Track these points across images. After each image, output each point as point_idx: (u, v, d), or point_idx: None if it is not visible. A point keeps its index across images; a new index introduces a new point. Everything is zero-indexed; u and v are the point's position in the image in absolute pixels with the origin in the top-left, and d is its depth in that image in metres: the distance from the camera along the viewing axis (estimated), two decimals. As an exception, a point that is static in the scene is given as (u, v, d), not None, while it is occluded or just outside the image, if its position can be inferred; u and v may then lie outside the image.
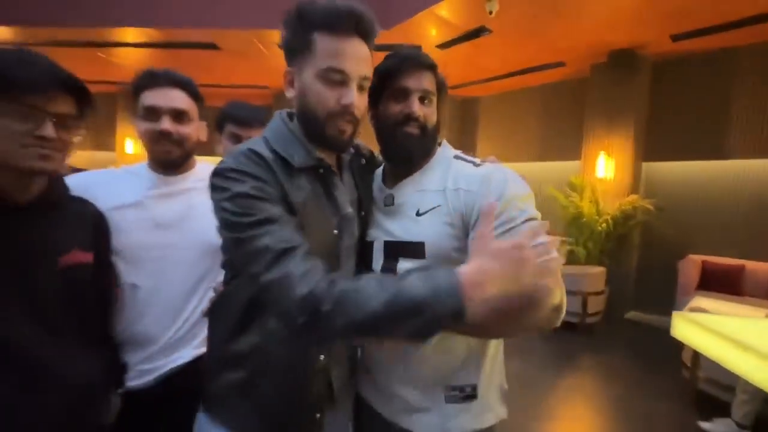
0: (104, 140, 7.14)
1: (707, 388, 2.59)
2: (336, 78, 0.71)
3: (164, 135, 0.95)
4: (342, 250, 0.80)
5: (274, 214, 0.66)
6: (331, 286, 0.60)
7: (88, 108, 0.78)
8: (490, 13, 3.44)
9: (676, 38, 3.98)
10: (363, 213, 0.87)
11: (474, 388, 0.81)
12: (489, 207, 0.64)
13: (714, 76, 4.29)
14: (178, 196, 1.01)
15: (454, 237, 0.79)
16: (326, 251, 0.74)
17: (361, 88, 0.74)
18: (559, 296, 0.70)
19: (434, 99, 0.85)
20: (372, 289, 0.58)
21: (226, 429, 0.77)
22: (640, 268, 4.75)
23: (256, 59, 5.18)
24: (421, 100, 0.82)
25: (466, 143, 6.76)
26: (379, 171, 0.95)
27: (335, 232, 0.77)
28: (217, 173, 0.70)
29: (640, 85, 4.51)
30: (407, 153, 0.83)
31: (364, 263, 0.87)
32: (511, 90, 6.07)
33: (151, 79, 0.96)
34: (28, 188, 0.75)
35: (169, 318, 0.98)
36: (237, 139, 1.36)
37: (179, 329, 0.99)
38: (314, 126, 0.74)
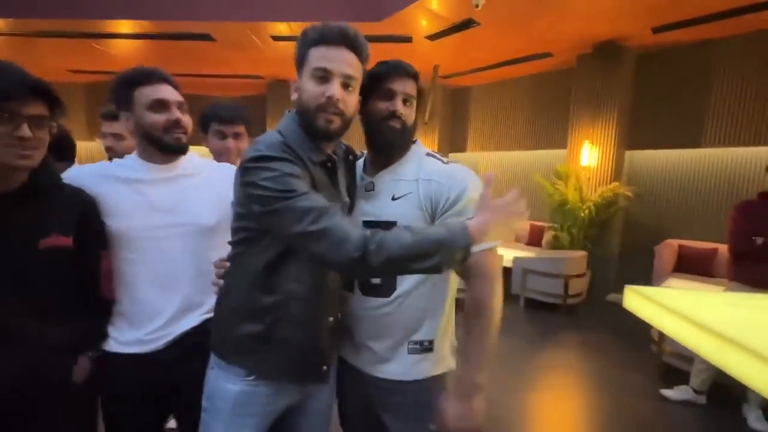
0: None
1: (671, 361, 2.82)
2: (321, 75, 0.87)
3: (178, 123, 1.06)
4: None
5: (309, 189, 0.82)
6: (373, 233, 0.78)
7: (58, 108, 0.91)
8: (477, 6, 3.55)
9: (656, 30, 4.12)
10: (349, 201, 1.05)
11: (431, 342, 1.01)
12: (489, 176, 0.85)
13: (693, 68, 4.45)
14: (171, 181, 1.10)
15: (422, 219, 0.97)
16: None
17: (345, 85, 0.89)
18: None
19: (414, 102, 1.03)
20: (405, 234, 0.78)
21: (241, 377, 0.91)
22: (622, 253, 4.96)
23: (251, 50, 5.26)
24: (404, 101, 1.00)
25: (457, 132, 6.89)
26: (360, 163, 1.12)
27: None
28: (254, 159, 0.84)
29: (623, 76, 4.66)
30: (390, 143, 1.01)
31: None
32: (500, 80, 6.18)
33: (148, 76, 1.05)
34: (8, 180, 0.87)
35: (169, 293, 1.07)
36: (222, 135, 1.49)
37: (181, 303, 1.08)
38: (308, 118, 0.90)
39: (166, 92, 1.06)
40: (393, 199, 0.99)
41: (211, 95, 7.97)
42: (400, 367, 1.00)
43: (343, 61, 0.88)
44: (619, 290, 5.09)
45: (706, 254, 4.18)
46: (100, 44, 5.23)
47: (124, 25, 4.65)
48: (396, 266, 0.79)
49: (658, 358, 2.93)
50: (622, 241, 4.98)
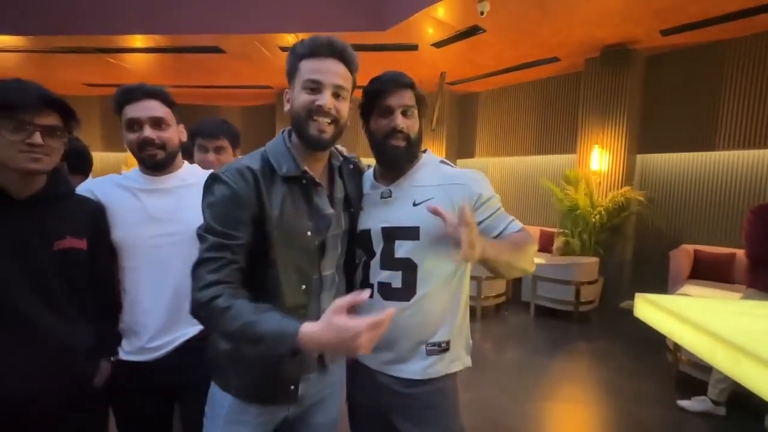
0: (115, 141, 7.40)
1: (688, 370, 2.74)
2: (313, 86, 0.90)
3: (148, 141, 1.09)
4: (328, 240, 0.98)
5: (228, 232, 0.84)
6: (212, 301, 0.78)
7: (72, 120, 0.98)
8: (482, 13, 3.57)
9: (665, 33, 4.08)
10: (352, 209, 1.05)
11: (448, 343, 1.04)
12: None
13: (704, 70, 4.38)
14: (168, 192, 1.14)
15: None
16: (300, 245, 0.92)
17: (336, 95, 0.91)
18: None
19: (415, 111, 1.04)
20: (240, 312, 0.77)
21: (225, 392, 0.94)
22: (635, 259, 4.86)
23: (259, 61, 5.35)
24: (404, 113, 1.02)
25: (465, 138, 6.88)
26: (369, 172, 1.14)
27: (308, 233, 0.92)
28: (208, 178, 0.90)
29: (633, 79, 4.61)
30: (395, 161, 1.04)
31: (364, 247, 1.07)
32: (507, 85, 6.17)
33: (128, 95, 1.09)
34: (28, 186, 0.94)
35: (167, 301, 1.09)
36: (204, 149, 1.59)
37: (180, 311, 1.08)
38: (300, 127, 0.92)
39: (141, 110, 1.09)
40: (414, 204, 1.02)
41: (222, 106, 8.13)
42: (418, 366, 1.02)
43: (333, 73, 0.90)
44: (633, 297, 4.96)
45: (724, 259, 4.07)
46: (114, 59, 5.38)
47: (137, 40, 4.78)
48: (230, 339, 0.85)
49: (673, 368, 2.84)
50: (635, 247, 4.89)
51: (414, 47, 4.73)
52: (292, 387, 0.95)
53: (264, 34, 4.51)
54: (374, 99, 1.01)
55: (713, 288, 3.76)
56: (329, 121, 0.90)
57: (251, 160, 0.91)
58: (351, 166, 1.08)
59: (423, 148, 1.10)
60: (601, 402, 2.71)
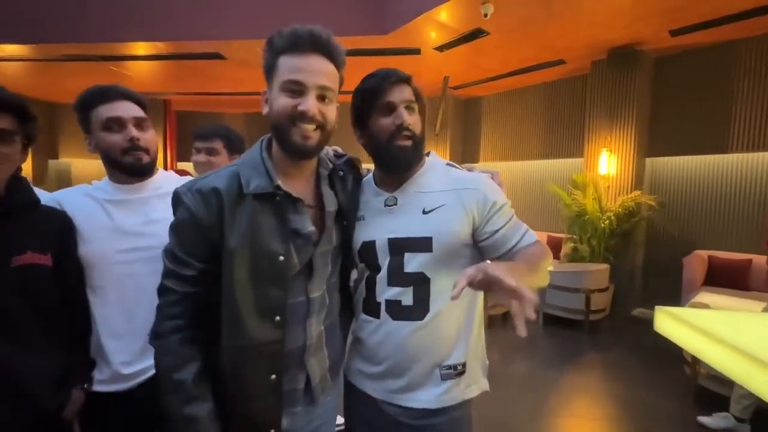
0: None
1: (707, 384, 2.60)
2: (294, 88, 0.79)
3: (134, 143, 0.99)
4: (315, 259, 0.87)
5: (186, 259, 0.79)
6: (166, 343, 0.78)
7: (28, 123, 0.89)
8: (485, 15, 3.49)
9: (675, 33, 3.97)
10: (345, 222, 0.95)
11: (464, 365, 0.94)
12: None
13: (715, 70, 4.26)
14: (139, 203, 1.05)
15: (461, 231, 0.91)
16: (271, 272, 0.80)
17: (322, 98, 0.81)
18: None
19: (416, 107, 0.95)
20: (184, 405, 0.76)
21: None
22: (646, 265, 4.72)
23: (261, 67, 5.30)
24: (407, 110, 0.92)
25: (469, 143, 6.79)
26: (369, 177, 1.04)
27: (280, 258, 0.80)
28: (175, 193, 0.82)
29: (641, 81, 4.50)
30: (403, 163, 0.93)
31: (368, 261, 0.96)
32: (512, 89, 6.08)
33: (103, 95, 0.99)
34: None
35: (140, 323, 0.99)
36: (197, 150, 1.67)
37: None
38: (281, 134, 0.82)
39: (122, 109, 0.99)
40: (424, 212, 0.92)
41: (226, 113, 8.11)
42: (431, 394, 0.91)
43: (317, 72, 0.80)
44: (645, 304, 4.88)
45: (739, 266, 3.92)
46: (116, 66, 5.37)
47: (139, 47, 4.76)
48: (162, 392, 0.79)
49: (692, 381, 2.71)
50: (646, 253, 4.75)
51: (416, 51, 4.66)
52: (272, 431, 0.83)
53: (265, 40, 4.46)
54: (372, 98, 0.91)
55: (730, 296, 3.62)
56: (314, 127, 0.80)
57: (219, 177, 0.82)
58: (341, 173, 0.96)
59: (426, 151, 1.00)
60: (617, 418, 2.58)
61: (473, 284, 0.66)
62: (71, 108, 1.02)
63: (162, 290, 0.80)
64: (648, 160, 4.72)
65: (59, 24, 4.47)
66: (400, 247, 0.92)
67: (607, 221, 4.39)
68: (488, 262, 0.92)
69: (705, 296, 3.55)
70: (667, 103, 4.57)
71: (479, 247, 0.94)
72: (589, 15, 3.64)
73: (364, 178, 1.05)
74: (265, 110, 0.85)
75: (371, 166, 1.11)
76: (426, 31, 4.16)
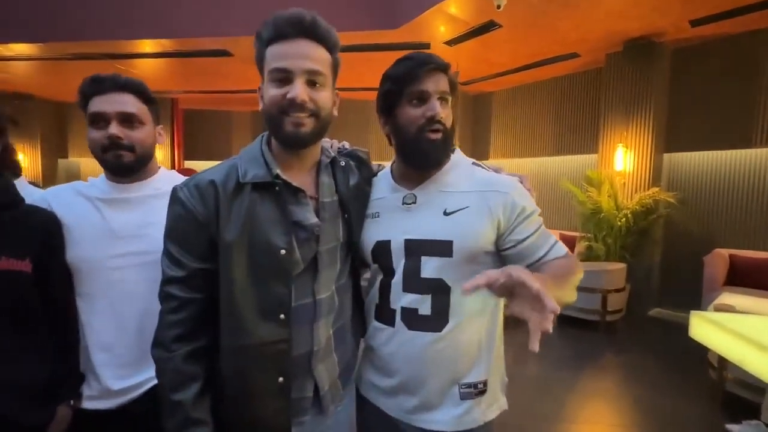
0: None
1: (735, 390, 2.48)
2: (280, 77, 0.74)
3: (113, 140, 0.90)
4: (321, 256, 0.81)
5: (184, 261, 0.74)
6: (168, 356, 0.73)
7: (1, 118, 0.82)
8: (498, 7, 3.38)
9: (695, 24, 3.82)
10: (347, 215, 0.88)
11: (485, 383, 0.86)
12: None
13: (737, 61, 4.09)
14: (135, 203, 0.96)
15: (484, 237, 0.82)
16: (272, 266, 0.76)
17: (312, 83, 0.76)
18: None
19: (449, 100, 0.86)
20: (179, 404, 0.72)
21: None
22: (664, 264, 4.58)
23: (268, 64, 5.26)
24: (440, 102, 0.84)
25: (480, 140, 6.68)
26: (386, 172, 0.96)
27: (282, 252, 0.76)
28: (174, 190, 0.77)
29: (658, 74, 4.35)
30: (431, 159, 0.86)
31: (382, 264, 0.89)
32: (523, 84, 5.95)
33: (97, 85, 0.92)
34: None
35: (132, 334, 0.92)
36: None
37: (149, 345, 0.92)
38: (274, 126, 0.77)
39: (107, 103, 0.91)
40: (446, 213, 0.84)
41: (233, 110, 8.09)
42: (450, 415, 0.83)
43: (303, 56, 0.75)
44: (663, 304, 4.74)
45: (763, 264, 3.77)
46: (123, 65, 5.35)
47: (145, 45, 4.73)
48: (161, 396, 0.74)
49: (718, 386, 2.58)
50: (664, 251, 4.60)
51: (426, 46, 4.56)
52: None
53: (272, 35, 4.41)
54: (402, 84, 0.83)
55: (754, 296, 3.47)
56: (307, 114, 0.75)
57: (217, 170, 0.78)
58: (343, 163, 0.89)
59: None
60: (636, 423, 2.46)
61: (494, 287, 0.59)
62: (78, 107, 0.97)
63: (163, 296, 0.76)
64: (666, 156, 4.57)
65: (66, 22, 4.46)
66: (416, 249, 0.84)
67: (624, 219, 4.25)
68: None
69: (729, 297, 3.40)
70: (686, 96, 4.41)
71: (502, 256, 0.86)
72: (606, 5, 3.51)
73: (380, 172, 0.98)
74: (261, 106, 0.80)
75: (384, 162, 1.04)
76: (436, 25, 4.06)
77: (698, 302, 3.89)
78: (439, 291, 0.83)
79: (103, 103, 0.92)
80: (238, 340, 0.74)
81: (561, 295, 0.75)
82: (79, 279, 0.93)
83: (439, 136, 0.83)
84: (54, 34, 4.55)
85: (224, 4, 4.30)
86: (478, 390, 0.85)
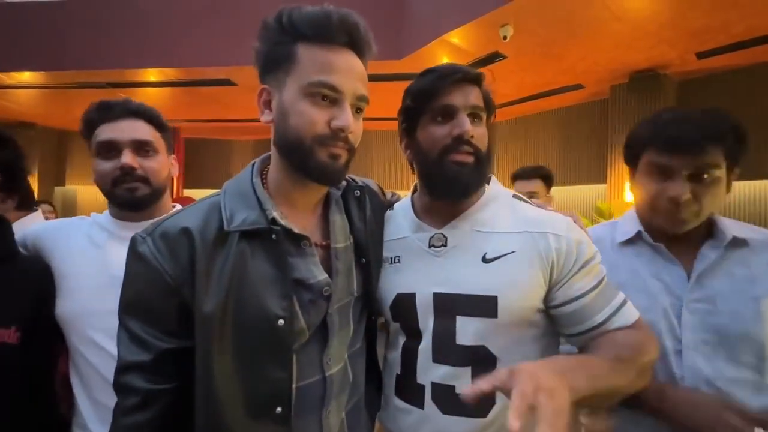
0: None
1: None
2: (327, 95, 0.57)
3: (126, 171, 0.80)
4: (331, 318, 0.63)
5: (148, 340, 0.55)
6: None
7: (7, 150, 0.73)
8: (504, 38, 3.37)
9: (702, 56, 3.81)
10: (364, 260, 0.70)
11: None
12: None
13: (744, 94, 4.05)
14: None
15: (535, 292, 0.65)
16: (264, 342, 0.57)
17: (358, 110, 0.61)
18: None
19: (484, 117, 0.71)
20: None
21: None
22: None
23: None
24: (471, 118, 0.68)
25: (483, 170, 6.62)
26: (405, 204, 0.78)
27: (280, 322, 0.57)
28: (129, 244, 0.58)
29: (665, 105, 4.32)
30: (460, 187, 0.69)
31: (404, 323, 0.70)
32: (528, 114, 5.95)
33: (106, 112, 0.82)
34: None
35: None
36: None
37: None
38: (298, 155, 0.59)
39: (119, 130, 0.80)
40: (485, 260, 0.66)
41: (235, 140, 8.08)
42: None
43: (356, 75, 0.60)
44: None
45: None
46: (126, 93, 5.35)
47: (149, 74, 4.74)
48: None
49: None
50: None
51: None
52: None
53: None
54: (425, 99, 0.68)
55: None
56: (346, 146, 0.60)
57: (192, 213, 0.59)
58: (358, 193, 0.72)
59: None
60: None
61: (506, 390, 0.44)
62: (79, 135, 0.88)
63: (119, 388, 0.55)
64: (677, 187, 4.46)
65: (70, 50, 4.48)
66: (450, 306, 0.66)
67: (638, 252, 4.08)
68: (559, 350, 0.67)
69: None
70: (695, 127, 4.36)
71: (550, 315, 0.68)
72: (613, 37, 3.50)
73: (396, 205, 0.81)
74: (265, 116, 0.63)
75: (399, 192, 0.88)
76: (440, 56, 4.06)
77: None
78: (483, 362, 0.64)
79: (114, 131, 0.81)
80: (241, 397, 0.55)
81: (626, 384, 0.57)
82: (73, 336, 0.78)
83: (469, 159, 0.67)
84: (59, 63, 4.55)
85: (228, 34, 4.32)
86: None
